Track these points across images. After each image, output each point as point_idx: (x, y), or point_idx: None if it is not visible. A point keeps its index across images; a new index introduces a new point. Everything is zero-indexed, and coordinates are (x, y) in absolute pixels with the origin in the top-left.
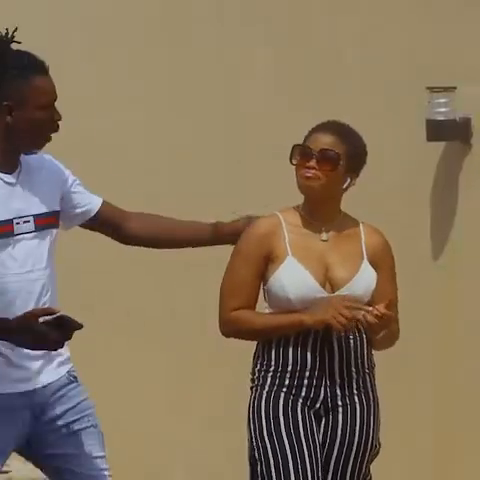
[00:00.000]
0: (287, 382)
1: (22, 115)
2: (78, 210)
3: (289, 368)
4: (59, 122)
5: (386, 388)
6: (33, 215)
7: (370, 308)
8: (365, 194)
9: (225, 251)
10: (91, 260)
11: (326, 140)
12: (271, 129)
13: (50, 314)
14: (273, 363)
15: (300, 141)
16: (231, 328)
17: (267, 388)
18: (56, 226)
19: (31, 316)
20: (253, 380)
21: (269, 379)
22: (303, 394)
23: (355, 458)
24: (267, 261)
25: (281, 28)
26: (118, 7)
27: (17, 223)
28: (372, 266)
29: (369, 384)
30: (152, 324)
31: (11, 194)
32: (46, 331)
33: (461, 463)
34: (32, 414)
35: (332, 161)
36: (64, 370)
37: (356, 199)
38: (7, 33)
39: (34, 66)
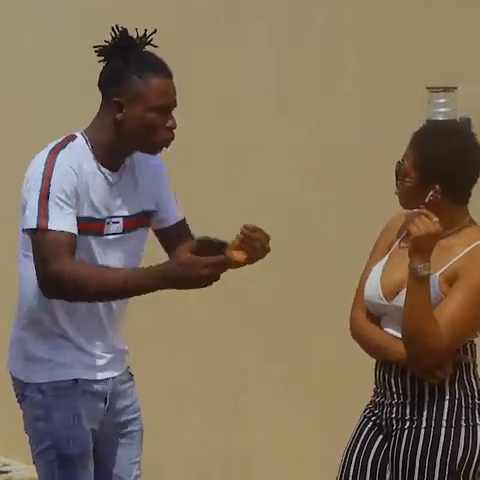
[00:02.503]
0: (372, 399)
1: (132, 114)
2: (159, 216)
3: (375, 388)
4: (174, 130)
5: None
6: (123, 216)
7: None
8: (365, 194)
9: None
10: None
11: (406, 151)
12: (270, 130)
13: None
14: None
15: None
16: (351, 331)
17: (370, 399)
18: (144, 226)
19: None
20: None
21: (373, 391)
22: (375, 411)
23: None
24: None
25: (281, 28)
26: (117, 8)
27: (108, 223)
28: (446, 284)
29: (426, 416)
30: (151, 323)
31: (109, 193)
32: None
33: None
34: (105, 403)
35: (398, 174)
36: (125, 365)
37: (356, 199)
38: (145, 35)
39: (154, 66)
